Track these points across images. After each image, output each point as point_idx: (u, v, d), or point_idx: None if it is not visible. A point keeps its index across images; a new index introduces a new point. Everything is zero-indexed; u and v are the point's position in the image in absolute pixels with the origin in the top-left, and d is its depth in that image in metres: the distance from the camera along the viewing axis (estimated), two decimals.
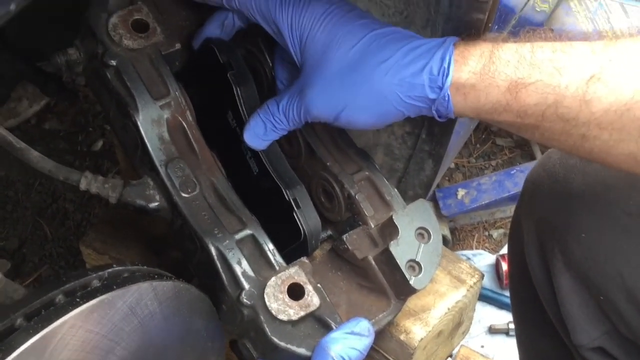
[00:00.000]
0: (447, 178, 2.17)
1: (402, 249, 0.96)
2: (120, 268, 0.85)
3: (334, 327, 0.92)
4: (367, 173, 1.05)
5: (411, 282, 0.95)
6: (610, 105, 0.80)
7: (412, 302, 1.02)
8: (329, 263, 1.03)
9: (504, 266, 1.88)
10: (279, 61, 1.07)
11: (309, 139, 1.06)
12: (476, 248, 2.05)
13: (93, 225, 1.74)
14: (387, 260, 0.96)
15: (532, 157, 2.16)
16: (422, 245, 0.97)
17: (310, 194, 1.05)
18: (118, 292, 0.79)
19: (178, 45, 1.06)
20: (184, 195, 0.98)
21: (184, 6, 1.11)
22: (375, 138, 1.21)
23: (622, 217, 0.94)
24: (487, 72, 0.85)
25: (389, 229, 0.98)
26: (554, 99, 0.82)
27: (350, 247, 1.00)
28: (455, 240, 2.06)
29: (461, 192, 1.97)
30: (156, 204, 1.00)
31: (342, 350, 0.89)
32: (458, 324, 1.06)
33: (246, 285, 0.93)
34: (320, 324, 0.93)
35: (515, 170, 1.98)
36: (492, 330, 1.87)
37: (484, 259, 1.97)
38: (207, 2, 1.04)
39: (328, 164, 1.05)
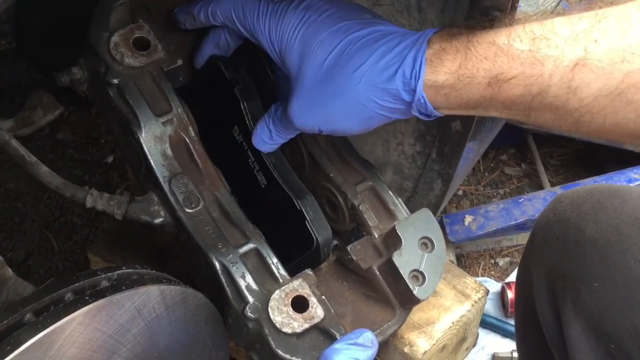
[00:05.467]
0: (454, 205, 2.17)
1: (406, 259, 0.96)
2: (129, 270, 0.86)
3: (338, 338, 0.93)
4: (370, 183, 1.06)
5: (415, 292, 0.95)
6: (600, 91, 0.78)
7: (417, 315, 1.02)
8: (334, 273, 1.03)
9: (510, 294, 1.87)
10: (279, 69, 1.07)
11: (312, 150, 1.08)
12: (482, 275, 2.04)
13: (101, 233, 1.75)
14: (391, 270, 0.97)
15: (540, 187, 2.16)
16: (426, 254, 0.97)
17: None
18: (126, 293, 0.79)
19: (180, 62, 1.08)
20: (187, 210, 0.99)
21: None
22: (385, 157, 1.22)
23: (636, 266, 0.91)
24: (464, 71, 0.84)
25: (393, 239, 0.98)
26: (539, 89, 0.80)
27: (354, 258, 1.00)
28: (461, 266, 2.05)
29: (468, 219, 1.96)
30: (161, 219, 1.01)
31: None
32: (462, 339, 1.06)
33: (250, 299, 0.94)
34: (324, 335, 0.93)
35: (523, 199, 1.98)
36: (496, 359, 1.85)
37: (489, 286, 1.94)
38: (197, 24, 1.05)
39: (331, 174, 1.06)
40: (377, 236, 1.03)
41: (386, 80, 0.88)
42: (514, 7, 0.85)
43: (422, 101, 0.88)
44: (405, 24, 1.05)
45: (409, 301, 0.98)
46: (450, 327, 1.01)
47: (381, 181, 1.07)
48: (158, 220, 1.01)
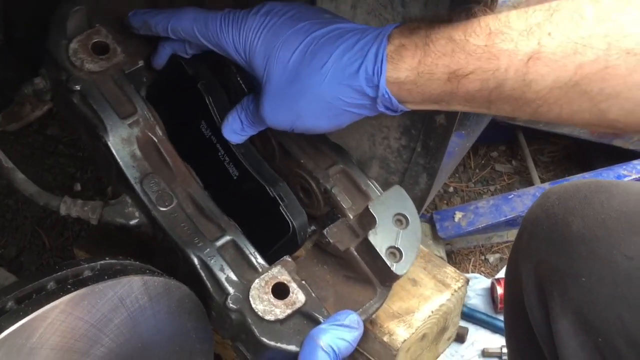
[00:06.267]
0: (445, 201, 2.18)
1: (381, 237, 0.97)
2: (112, 261, 0.87)
3: (322, 321, 0.94)
4: (341, 166, 1.08)
5: (393, 269, 0.97)
6: (554, 83, 0.79)
7: (397, 305, 1.02)
8: (314, 258, 1.04)
9: (499, 290, 1.88)
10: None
11: (282, 139, 1.09)
12: (472, 271, 2.05)
13: (89, 228, 1.75)
14: (368, 249, 0.98)
15: (530, 183, 2.17)
16: (401, 231, 0.98)
17: None
18: (109, 282, 0.80)
19: (141, 63, 1.08)
20: (161, 209, 1.00)
21: None
22: (371, 151, 1.22)
23: (623, 261, 0.92)
24: (424, 67, 0.85)
25: (367, 219, 0.99)
26: (496, 83, 0.82)
27: (331, 240, 1.02)
28: (452, 263, 2.06)
29: (458, 215, 1.97)
30: (136, 220, 1.02)
31: (331, 340, 0.90)
32: (443, 328, 1.07)
33: (231, 290, 0.94)
34: (308, 319, 0.94)
35: (512, 195, 1.99)
36: (486, 354, 1.86)
37: (479, 282, 1.97)
38: (153, 34, 1.06)
39: (302, 161, 1.08)
40: (352, 217, 1.04)
41: (350, 77, 0.90)
42: (493, 4, 0.86)
43: (387, 96, 0.89)
44: (389, 19, 1.06)
45: (388, 278, 0.99)
46: (429, 316, 1.02)
47: (352, 163, 1.09)
48: (133, 222, 1.02)
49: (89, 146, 1.06)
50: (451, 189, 2.20)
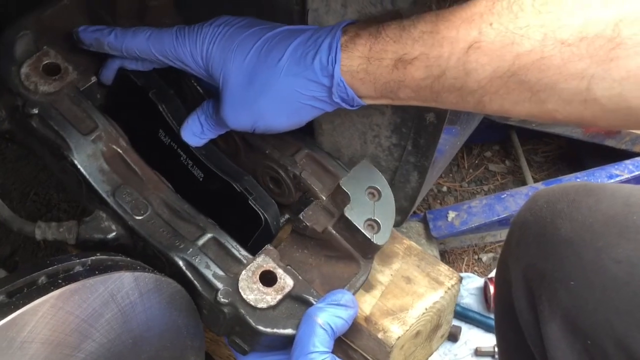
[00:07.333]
0: (439, 201, 2.19)
1: (357, 211, 0.99)
2: (103, 257, 0.87)
3: (313, 302, 0.96)
4: (307, 151, 1.09)
5: (373, 240, 0.99)
6: (494, 73, 0.80)
7: (391, 302, 1.03)
8: (293, 245, 1.06)
9: (492, 289, 1.89)
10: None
11: (244, 134, 1.10)
12: (465, 271, 2.06)
13: None
14: (346, 225, 1.00)
15: (523, 183, 2.18)
16: (375, 203, 1.00)
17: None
18: (100, 277, 0.81)
19: (94, 79, 1.09)
20: (138, 218, 1.01)
21: None
22: (362, 149, 1.23)
23: (611, 265, 0.92)
24: (374, 53, 0.87)
25: (340, 196, 1.02)
26: (439, 71, 0.83)
27: (308, 224, 1.03)
28: (445, 262, 2.06)
29: (451, 215, 1.98)
30: (114, 233, 1.03)
31: (328, 318, 0.92)
32: (436, 326, 1.07)
33: (220, 285, 0.96)
34: (299, 302, 0.97)
35: (505, 195, 2.00)
36: (479, 353, 1.87)
37: (472, 281, 1.98)
38: (106, 51, 1.06)
39: (267, 152, 1.09)
40: (324, 198, 1.05)
41: (305, 68, 0.91)
42: None
43: (342, 85, 0.90)
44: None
45: (369, 250, 1.01)
46: (423, 313, 1.03)
47: (317, 147, 1.11)
48: (111, 235, 1.03)
49: (55, 169, 1.06)
50: (444, 189, 2.21)
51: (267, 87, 0.94)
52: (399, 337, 1.00)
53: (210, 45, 0.97)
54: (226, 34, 0.97)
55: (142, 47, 1.02)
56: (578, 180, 2.02)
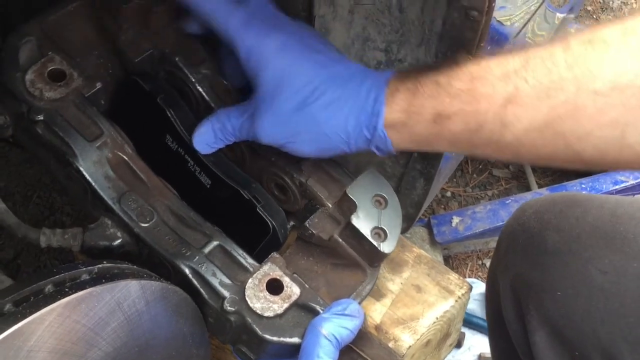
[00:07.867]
0: (443, 206, 2.18)
1: (364, 219, 1.00)
2: (110, 265, 0.87)
3: (319, 310, 0.96)
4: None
5: (380, 248, 0.99)
6: (530, 125, 0.83)
7: (401, 311, 1.03)
8: (299, 252, 1.06)
9: None
10: (227, 56, 1.09)
11: (249, 142, 1.09)
12: (469, 276, 2.06)
13: None
14: (352, 233, 1.00)
15: (528, 189, 2.17)
16: (382, 211, 1.01)
17: None
18: (106, 286, 0.80)
19: (99, 84, 1.08)
20: (143, 225, 1.00)
21: (94, 45, 1.13)
22: (369, 156, 1.23)
23: (597, 276, 0.95)
24: (412, 108, 0.90)
25: (347, 204, 1.01)
26: (477, 124, 0.86)
27: (314, 232, 1.03)
28: (449, 267, 2.06)
29: (456, 220, 1.98)
30: (119, 240, 1.02)
31: (333, 329, 0.92)
32: (446, 334, 1.07)
33: (226, 294, 0.95)
34: (305, 310, 0.96)
35: (510, 200, 2.00)
36: (483, 359, 1.87)
37: (476, 287, 1.97)
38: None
39: (273, 159, 1.09)
40: (330, 206, 1.05)
41: (352, 118, 0.94)
42: (490, 7, 0.88)
43: (382, 136, 0.93)
44: (386, 23, 1.06)
45: (376, 258, 1.01)
46: (434, 322, 1.02)
47: None
48: (117, 242, 1.02)
49: (60, 175, 1.06)
50: (449, 194, 2.21)
51: (312, 123, 0.96)
52: (410, 346, 0.99)
53: (273, 58, 0.97)
54: (289, 54, 0.97)
55: (220, 16, 1.01)
56: (583, 185, 2.02)
